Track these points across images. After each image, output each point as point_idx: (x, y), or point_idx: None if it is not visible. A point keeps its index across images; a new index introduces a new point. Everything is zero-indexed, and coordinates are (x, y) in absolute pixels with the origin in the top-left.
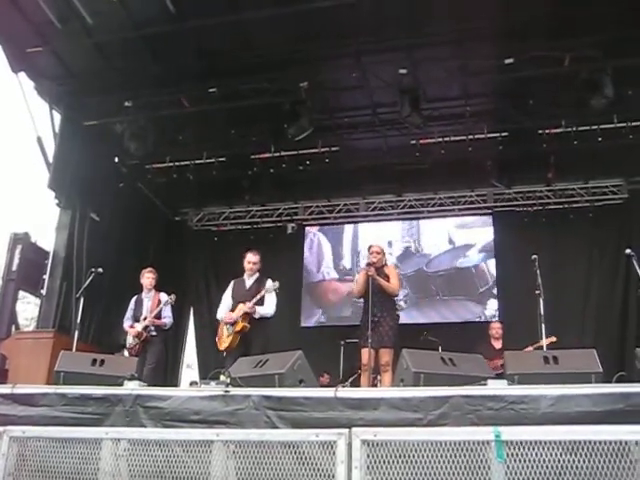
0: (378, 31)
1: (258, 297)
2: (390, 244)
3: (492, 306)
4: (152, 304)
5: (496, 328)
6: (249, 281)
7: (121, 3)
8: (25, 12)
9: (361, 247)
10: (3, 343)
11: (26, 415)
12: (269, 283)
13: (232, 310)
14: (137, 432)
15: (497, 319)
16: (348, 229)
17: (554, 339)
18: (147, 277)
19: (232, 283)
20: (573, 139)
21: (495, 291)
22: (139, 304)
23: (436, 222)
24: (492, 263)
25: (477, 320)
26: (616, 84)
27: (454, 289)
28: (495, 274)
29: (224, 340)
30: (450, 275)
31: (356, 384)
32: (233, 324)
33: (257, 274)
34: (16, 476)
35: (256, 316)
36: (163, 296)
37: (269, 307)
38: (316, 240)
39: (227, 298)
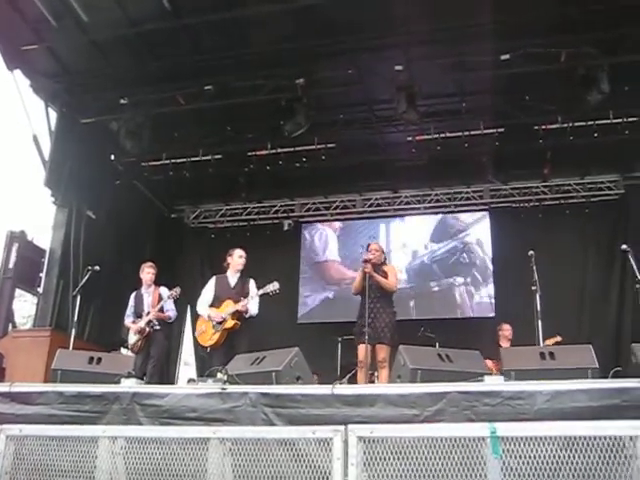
0: (374, 28)
1: (254, 296)
2: (405, 245)
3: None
4: (153, 299)
5: (508, 329)
6: (233, 279)
7: (116, 0)
8: (19, 9)
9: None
10: (0, 341)
11: (23, 413)
12: (252, 287)
13: (213, 306)
14: (134, 430)
15: (495, 315)
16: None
17: (559, 339)
18: (147, 272)
19: (214, 279)
20: (569, 135)
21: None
22: (139, 300)
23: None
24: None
25: (471, 316)
26: (612, 80)
27: (446, 270)
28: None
29: (210, 337)
30: (443, 259)
31: (353, 381)
32: (221, 322)
33: (240, 272)
34: (13, 475)
35: (247, 315)
36: (164, 290)
37: (255, 307)
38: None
39: (208, 293)
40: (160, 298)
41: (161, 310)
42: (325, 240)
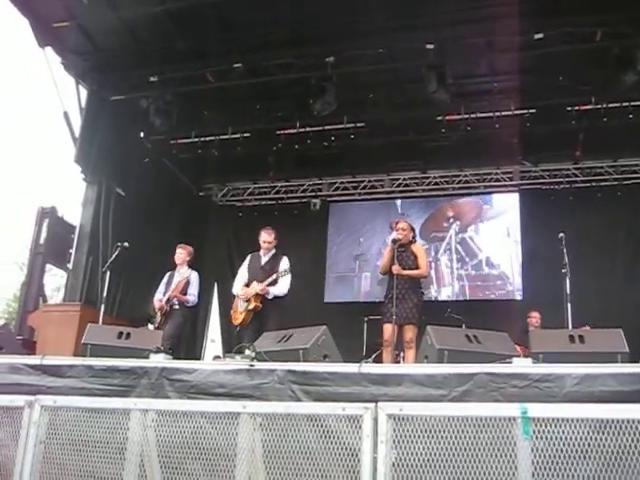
0: (405, 6)
1: (270, 280)
2: None
3: None
4: (181, 280)
5: (536, 317)
6: (265, 258)
7: None
8: None
9: None
10: (31, 316)
11: (54, 386)
12: (283, 265)
13: (247, 285)
14: (166, 403)
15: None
16: None
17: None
18: (177, 252)
19: (249, 257)
20: (602, 116)
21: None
22: (170, 279)
23: None
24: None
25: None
26: None
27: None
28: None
29: (237, 317)
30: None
31: (378, 361)
32: (247, 301)
33: (273, 250)
34: (47, 444)
35: (269, 297)
36: (194, 274)
37: (283, 287)
38: None
39: (243, 272)
40: (187, 281)
41: (185, 292)
42: None
